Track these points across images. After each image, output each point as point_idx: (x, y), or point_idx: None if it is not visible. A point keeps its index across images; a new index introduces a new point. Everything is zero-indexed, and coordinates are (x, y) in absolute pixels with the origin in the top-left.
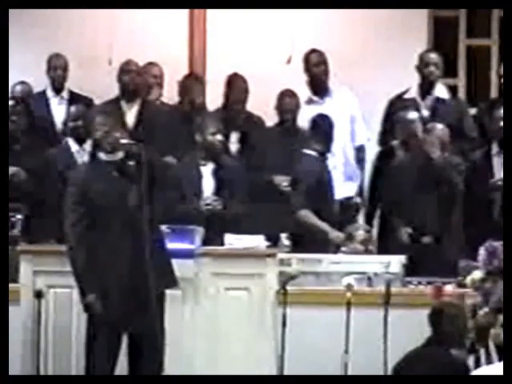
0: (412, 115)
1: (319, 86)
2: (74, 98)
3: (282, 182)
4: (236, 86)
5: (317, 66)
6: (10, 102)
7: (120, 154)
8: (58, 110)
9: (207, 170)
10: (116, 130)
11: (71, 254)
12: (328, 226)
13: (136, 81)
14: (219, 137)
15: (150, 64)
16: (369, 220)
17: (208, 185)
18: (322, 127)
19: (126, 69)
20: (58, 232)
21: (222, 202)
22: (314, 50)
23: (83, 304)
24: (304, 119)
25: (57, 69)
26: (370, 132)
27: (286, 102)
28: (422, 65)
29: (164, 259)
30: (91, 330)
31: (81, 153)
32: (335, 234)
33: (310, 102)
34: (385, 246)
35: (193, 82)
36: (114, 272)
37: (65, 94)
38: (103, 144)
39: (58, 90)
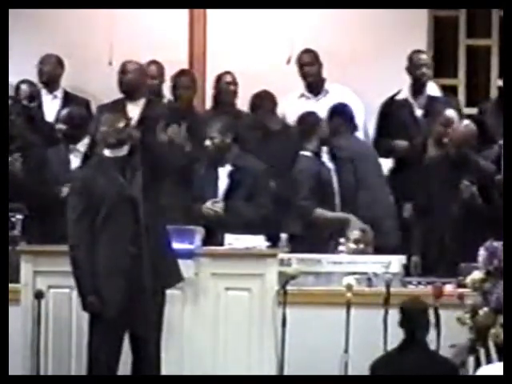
0: (450, 113)
1: (312, 85)
2: (69, 99)
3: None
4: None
5: (308, 65)
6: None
7: (124, 150)
8: (51, 108)
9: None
10: (120, 123)
11: (72, 252)
12: (346, 214)
13: (134, 81)
14: (216, 141)
15: (152, 63)
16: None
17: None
18: (309, 125)
19: (124, 69)
20: (56, 232)
21: (227, 205)
22: (305, 51)
23: (82, 303)
24: (294, 114)
25: (45, 64)
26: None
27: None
28: (413, 66)
29: (169, 255)
30: (92, 329)
31: (75, 153)
32: (354, 219)
33: (301, 96)
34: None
35: (184, 78)
36: (114, 270)
37: (58, 92)
38: (108, 138)
39: (49, 88)
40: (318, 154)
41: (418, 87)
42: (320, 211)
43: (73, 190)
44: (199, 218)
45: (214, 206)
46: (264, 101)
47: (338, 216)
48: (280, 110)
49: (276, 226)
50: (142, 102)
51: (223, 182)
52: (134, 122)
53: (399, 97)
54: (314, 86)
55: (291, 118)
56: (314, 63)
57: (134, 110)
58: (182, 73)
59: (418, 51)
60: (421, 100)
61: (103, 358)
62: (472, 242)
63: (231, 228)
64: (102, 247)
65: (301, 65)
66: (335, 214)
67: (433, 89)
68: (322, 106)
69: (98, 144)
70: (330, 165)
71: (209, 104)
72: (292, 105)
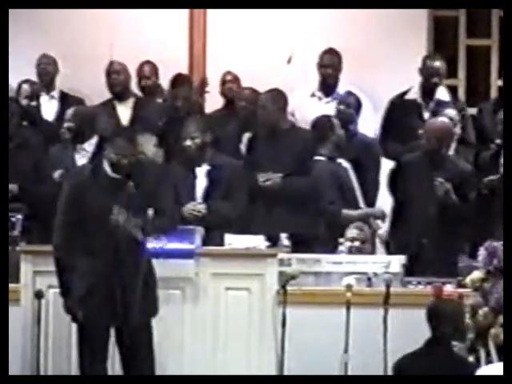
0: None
1: (327, 86)
2: (65, 99)
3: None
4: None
5: (330, 67)
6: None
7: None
8: (48, 109)
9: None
10: (131, 154)
11: (56, 252)
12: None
13: (123, 81)
14: (197, 141)
15: (145, 63)
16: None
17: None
18: (324, 129)
19: (111, 70)
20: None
21: (209, 205)
22: (329, 51)
23: (64, 307)
24: (306, 113)
25: (41, 64)
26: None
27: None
28: (427, 72)
29: (149, 288)
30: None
31: (81, 153)
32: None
33: (313, 95)
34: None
35: (182, 82)
36: (88, 275)
37: (55, 93)
38: (118, 165)
39: (45, 88)
40: (332, 159)
41: (427, 90)
42: (345, 212)
43: (64, 195)
44: (182, 220)
45: (196, 207)
46: (274, 99)
47: (369, 211)
48: (289, 108)
49: (283, 226)
50: (130, 101)
51: (200, 182)
52: (125, 122)
53: (408, 96)
54: (329, 87)
55: (301, 116)
56: (337, 66)
57: (125, 112)
58: (179, 81)
59: (430, 56)
60: (430, 103)
61: (86, 359)
62: (450, 240)
63: (213, 228)
64: (82, 255)
65: (323, 65)
66: (362, 210)
67: (442, 92)
68: (332, 108)
69: (105, 147)
70: (347, 164)
71: (209, 104)
72: (303, 102)
